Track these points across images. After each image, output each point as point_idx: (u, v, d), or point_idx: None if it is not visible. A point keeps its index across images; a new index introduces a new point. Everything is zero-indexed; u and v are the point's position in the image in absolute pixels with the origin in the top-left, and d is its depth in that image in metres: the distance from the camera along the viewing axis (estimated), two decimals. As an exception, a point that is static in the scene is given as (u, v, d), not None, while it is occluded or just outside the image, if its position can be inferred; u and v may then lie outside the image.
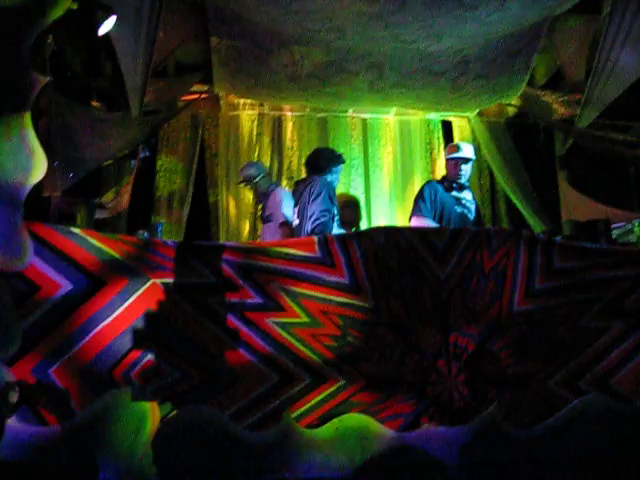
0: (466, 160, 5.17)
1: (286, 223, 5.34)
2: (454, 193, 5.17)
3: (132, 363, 2.99)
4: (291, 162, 7.13)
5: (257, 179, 5.72)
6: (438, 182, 5.28)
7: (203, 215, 6.90)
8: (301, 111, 7.32)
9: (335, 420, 2.98)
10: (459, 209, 5.09)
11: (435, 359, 3.20)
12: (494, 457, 3.06)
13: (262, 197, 5.74)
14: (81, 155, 5.43)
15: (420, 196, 5.11)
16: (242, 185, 5.83)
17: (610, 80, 5.99)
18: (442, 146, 7.54)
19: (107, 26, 4.79)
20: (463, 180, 5.20)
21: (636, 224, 5.49)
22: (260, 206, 5.87)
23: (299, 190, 5.12)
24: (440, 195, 5.07)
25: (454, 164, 5.19)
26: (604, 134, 6.50)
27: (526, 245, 3.40)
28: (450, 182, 5.20)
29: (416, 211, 5.05)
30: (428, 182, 5.34)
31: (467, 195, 5.25)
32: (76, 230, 3.10)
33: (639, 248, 4.49)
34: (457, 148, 5.26)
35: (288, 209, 5.39)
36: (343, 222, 5.15)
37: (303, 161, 6.97)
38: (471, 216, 5.17)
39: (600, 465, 3.13)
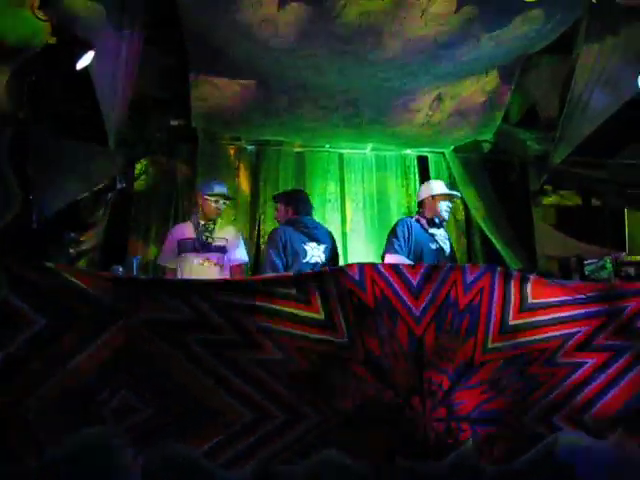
0: (444, 196, 5.28)
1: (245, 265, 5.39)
2: (431, 230, 5.22)
3: (105, 400, 2.95)
4: (267, 196, 7.13)
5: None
6: (413, 219, 5.32)
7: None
8: (278, 145, 7.35)
9: (311, 457, 2.96)
10: (434, 246, 5.12)
11: (410, 396, 3.19)
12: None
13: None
14: (57, 189, 5.41)
15: (393, 233, 5.14)
16: (221, 199, 5.43)
17: (583, 118, 6.12)
18: (418, 182, 7.59)
19: (85, 61, 4.81)
20: (445, 216, 5.30)
21: (608, 260, 5.55)
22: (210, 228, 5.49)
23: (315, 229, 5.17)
24: (415, 232, 5.11)
25: (432, 202, 5.28)
26: (577, 171, 6.60)
27: (500, 281, 3.43)
28: (429, 219, 5.26)
29: (389, 249, 5.07)
30: (401, 220, 5.38)
31: (441, 232, 5.32)
32: (50, 265, 3.08)
33: (611, 284, 4.53)
34: (430, 187, 5.39)
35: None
36: None
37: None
38: (446, 252, 5.21)
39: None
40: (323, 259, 5.00)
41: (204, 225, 5.33)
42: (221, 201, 5.38)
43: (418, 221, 5.26)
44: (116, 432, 2.87)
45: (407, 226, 5.14)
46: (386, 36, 5.07)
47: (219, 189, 5.39)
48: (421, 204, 5.43)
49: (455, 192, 5.42)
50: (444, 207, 5.28)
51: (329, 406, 3.12)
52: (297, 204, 5.27)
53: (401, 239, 5.05)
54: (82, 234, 5.93)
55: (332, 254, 5.14)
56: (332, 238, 5.26)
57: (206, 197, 5.32)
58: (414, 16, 4.98)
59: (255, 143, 7.33)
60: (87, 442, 2.83)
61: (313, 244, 5.02)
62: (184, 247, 5.25)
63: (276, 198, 5.56)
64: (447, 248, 5.27)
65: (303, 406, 3.10)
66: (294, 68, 5.61)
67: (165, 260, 5.39)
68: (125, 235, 6.68)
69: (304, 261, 4.89)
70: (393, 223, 7.17)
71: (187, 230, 5.35)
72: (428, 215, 5.29)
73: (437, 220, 5.27)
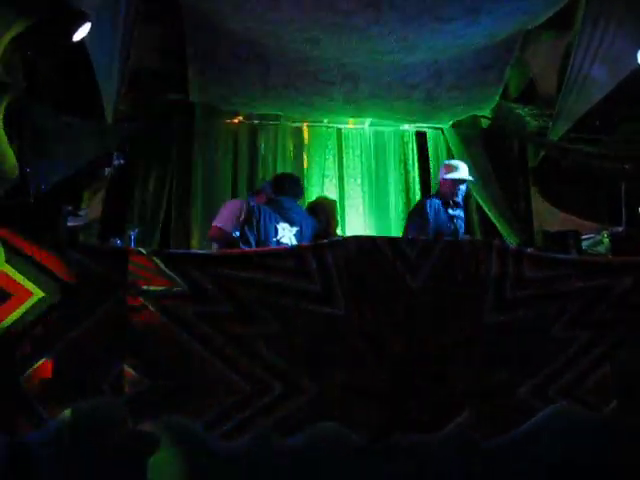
0: (463, 181, 5.32)
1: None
2: (449, 211, 5.26)
3: (104, 372, 2.97)
4: (265, 172, 7.11)
5: None
6: (435, 198, 5.36)
7: (178, 223, 6.85)
8: (276, 120, 7.33)
9: (308, 428, 2.98)
10: (451, 226, 5.15)
11: (406, 368, 3.22)
12: (465, 467, 3.08)
13: None
14: (54, 162, 5.40)
15: (420, 213, 5.18)
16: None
17: (581, 94, 6.10)
18: (416, 157, 7.58)
19: (81, 33, 4.77)
20: (459, 199, 5.33)
21: (605, 235, 5.57)
22: None
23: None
24: (438, 211, 5.19)
25: (451, 184, 5.30)
26: (575, 147, 6.59)
27: (498, 255, 3.44)
28: (446, 200, 5.29)
29: (413, 227, 5.12)
30: (428, 199, 5.39)
31: (458, 212, 5.36)
32: (48, 237, 3.09)
33: (607, 259, 4.55)
34: (454, 168, 5.38)
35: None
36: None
37: (278, 171, 7.01)
38: (460, 233, 5.28)
39: (570, 473, 3.15)
40: (293, 240, 5.04)
41: None
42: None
43: (441, 201, 5.29)
44: (115, 403, 2.89)
45: (433, 205, 5.19)
46: (385, 10, 5.03)
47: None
48: (441, 182, 5.46)
49: (460, 175, 5.38)
50: (456, 190, 5.32)
51: (327, 378, 3.15)
52: (280, 186, 5.35)
53: (427, 217, 5.10)
54: (80, 208, 5.94)
55: (303, 237, 5.16)
56: (310, 222, 5.29)
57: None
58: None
59: (253, 118, 7.29)
60: (86, 414, 2.85)
61: (285, 225, 5.09)
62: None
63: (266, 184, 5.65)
64: (462, 227, 5.33)
65: (301, 378, 3.13)
66: (293, 41, 5.58)
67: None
68: (123, 208, 6.68)
69: (274, 239, 4.96)
70: (391, 199, 7.25)
71: None
72: (445, 196, 5.33)
73: (451, 201, 5.30)
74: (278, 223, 5.05)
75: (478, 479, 3.07)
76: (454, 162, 5.63)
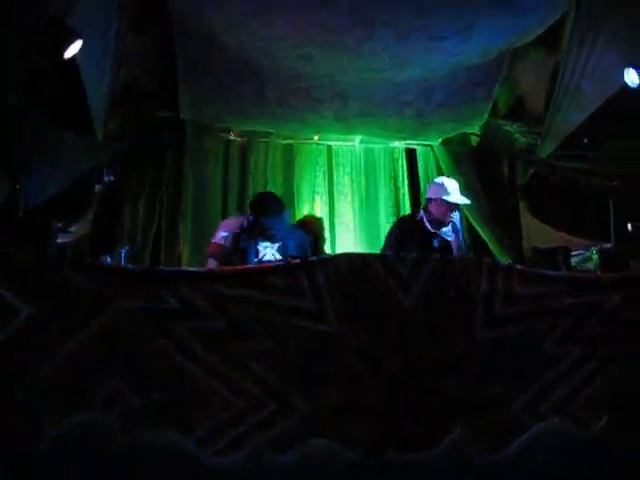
0: (457, 206, 5.23)
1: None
2: (434, 229, 5.22)
3: (95, 389, 2.96)
4: (256, 188, 7.12)
5: None
6: (416, 217, 5.33)
7: (168, 239, 6.84)
8: (267, 137, 7.35)
9: (301, 446, 2.98)
10: (436, 244, 5.14)
11: (399, 386, 3.22)
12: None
13: None
14: (44, 178, 5.39)
15: (389, 236, 5.25)
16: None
17: (569, 111, 6.17)
18: (406, 174, 7.62)
19: (73, 50, 4.77)
20: (448, 222, 5.21)
21: (594, 252, 5.61)
22: None
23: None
24: (414, 232, 5.16)
25: (444, 207, 5.16)
26: (563, 164, 6.64)
27: (488, 272, 3.45)
28: (433, 219, 5.22)
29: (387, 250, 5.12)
30: (399, 220, 5.36)
31: (446, 228, 5.26)
32: (38, 254, 3.08)
33: (596, 275, 4.58)
34: (446, 191, 5.20)
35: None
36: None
37: (268, 188, 7.03)
38: (452, 246, 5.23)
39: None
40: (277, 256, 5.10)
41: None
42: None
43: (421, 220, 5.20)
44: (107, 420, 2.88)
45: (403, 229, 5.17)
46: (378, 27, 5.07)
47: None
48: (429, 201, 5.31)
49: (467, 201, 5.36)
50: (448, 215, 5.17)
51: (320, 395, 3.14)
52: (259, 206, 5.35)
53: (394, 243, 5.09)
54: (70, 224, 5.92)
55: (288, 250, 5.19)
56: (295, 235, 5.37)
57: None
58: (406, 7, 5.00)
59: (244, 135, 7.31)
60: (78, 430, 2.84)
61: (267, 243, 5.14)
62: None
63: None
64: (454, 241, 5.23)
65: (294, 395, 3.12)
66: (286, 58, 5.61)
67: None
68: (114, 226, 6.67)
69: (255, 260, 5.03)
70: (381, 216, 7.28)
71: None
72: (434, 215, 5.21)
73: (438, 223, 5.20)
74: (258, 244, 5.10)
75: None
76: (448, 184, 5.35)
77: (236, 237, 5.10)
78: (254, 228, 5.13)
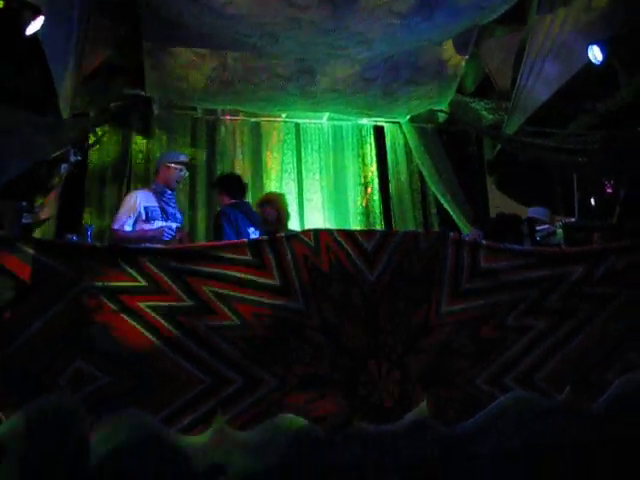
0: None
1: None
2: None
3: (61, 369, 2.94)
4: (224, 167, 7.10)
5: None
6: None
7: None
8: (235, 115, 7.31)
9: (267, 421, 2.99)
10: None
11: (365, 360, 3.25)
12: (425, 455, 3.12)
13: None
14: (8, 159, 5.31)
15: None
16: (185, 168, 5.64)
17: (535, 88, 6.21)
18: (374, 151, 7.65)
19: (35, 27, 4.69)
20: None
21: (559, 226, 5.67)
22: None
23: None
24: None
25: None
26: (530, 140, 6.71)
27: (453, 247, 3.49)
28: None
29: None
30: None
31: None
32: (3, 234, 3.05)
33: (559, 249, 4.64)
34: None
35: None
36: (266, 221, 5.24)
37: (237, 166, 7.01)
38: None
39: (527, 457, 3.22)
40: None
41: (167, 194, 5.44)
42: (184, 170, 5.55)
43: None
44: (73, 400, 2.87)
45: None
46: (340, 4, 5.05)
47: (184, 158, 5.61)
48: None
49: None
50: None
51: (286, 371, 3.16)
52: (236, 187, 5.53)
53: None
54: (35, 204, 5.86)
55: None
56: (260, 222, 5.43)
57: (171, 165, 5.44)
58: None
59: (211, 113, 7.28)
60: (44, 410, 2.82)
61: (252, 229, 5.26)
62: (153, 214, 5.25)
63: (213, 184, 5.85)
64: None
65: (260, 371, 3.14)
66: (249, 36, 5.57)
67: (124, 224, 5.23)
68: (80, 204, 6.61)
69: None
70: (350, 193, 7.30)
71: (151, 197, 5.34)
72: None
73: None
74: (248, 227, 5.10)
75: (438, 465, 3.12)
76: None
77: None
78: (241, 209, 5.17)
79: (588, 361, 3.53)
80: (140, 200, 5.29)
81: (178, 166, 5.45)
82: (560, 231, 5.61)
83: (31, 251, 3.01)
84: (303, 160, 7.46)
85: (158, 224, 5.16)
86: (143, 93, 6.68)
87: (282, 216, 5.44)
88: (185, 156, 5.73)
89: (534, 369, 3.46)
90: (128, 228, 5.17)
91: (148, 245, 4.65)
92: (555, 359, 3.49)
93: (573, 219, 6.09)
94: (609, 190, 6.62)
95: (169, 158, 5.56)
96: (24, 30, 4.72)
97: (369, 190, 7.47)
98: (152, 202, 5.28)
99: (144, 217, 5.20)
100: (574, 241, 5.36)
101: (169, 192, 5.42)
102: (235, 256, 3.22)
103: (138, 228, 5.16)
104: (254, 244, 3.28)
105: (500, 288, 3.51)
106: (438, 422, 3.16)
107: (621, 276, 3.63)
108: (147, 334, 3.04)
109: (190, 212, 6.88)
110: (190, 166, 5.79)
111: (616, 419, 3.30)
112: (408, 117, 7.56)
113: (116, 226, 5.21)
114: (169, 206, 5.34)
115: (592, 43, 5.67)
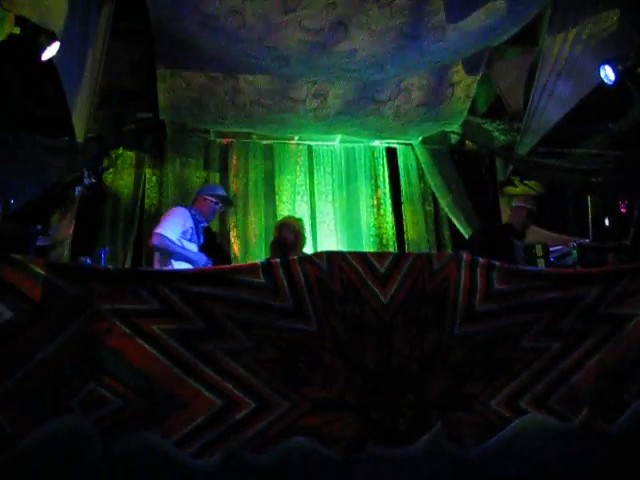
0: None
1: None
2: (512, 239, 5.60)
3: (74, 392, 2.94)
4: (237, 189, 7.12)
5: None
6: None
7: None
8: (247, 138, 7.35)
9: (280, 445, 2.97)
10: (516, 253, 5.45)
11: (378, 382, 3.23)
12: (439, 478, 3.09)
13: None
14: (23, 182, 5.36)
15: None
16: (221, 203, 5.61)
17: (547, 109, 6.21)
18: (387, 173, 7.66)
19: (50, 52, 4.77)
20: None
21: (573, 247, 5.64)
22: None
23: None
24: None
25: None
26: (543, 161, 6.70)
27: (467, 268, 3.47)
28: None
29: None
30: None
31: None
32: (17, 257, 3.06)
33: (574, 271, 4.61)
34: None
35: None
36: (283, 244, 5.24)
37: (249, 188, 7.04)
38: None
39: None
40: None
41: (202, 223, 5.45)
42: (220, 204, 5.54)
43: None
44: (85, 423, 2.86)
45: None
46: (352, 27, 5.09)
47: (221, 192, 5.61)
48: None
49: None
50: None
51: (298, 394, 3.14)
52: (229, 200, 5.62)
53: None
54: (49, 227, 5.90)
55: None
56: None
57: (208, 198, 5.45)
58: (380, 7, 5.02)
59: (223, 136, 7.32)
60: (56, 433, 2.82)
61: None
62: (192, 237, 5.27)
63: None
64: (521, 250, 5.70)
65: (273, 394, 3.12)
66: (261, 59, 5.61)
67: (171, 232, 5.11)
68: (94, 227, 6.65)
69: None
70: (362, 214, 7.31)
71: (192, 220, 5.34)
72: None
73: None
74: None
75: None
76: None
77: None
78: None
79: (605, 383, 3.49)
80: (188, 218, 5.30)
81: (214, 199, 5.44)
82: (574, 252, 5.58)
83: (43, 273, 3.03)
84: (316, 182, 7.47)
85: (192, 247, 5.19)
86: (156, 117, 6.72)
87: (299, 240, 5.46)
88: (222, 190, 5.71)
89: (549, 392, 3.42)
90: (173, 237, 5.10)
91: (162, 268, 4.67)
92: (571, 381, 3.45)
93: (587, 240, 6.06)
94: (623, 210, 6.59)
95: (206, 191, 5.57)
96: (40, 55, 4.79)
97: (382, 212, 7.46)
98: (192, 224, 5.30)
99: (186, 237, 5.21)
100: (588, 262, 5.32)
101: (204, 223, 5.43)
102: (248, 279, 3.22)
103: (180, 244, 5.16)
104: (267, 267, 3.27)
105: (514, 310, 3.48)
106: (452, 445, 3.13)
107: (636, 297, 3.60)
108: (160, 357, 3.04)
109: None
110: (227, 202, 5.76)
111: (636, 440, 3.26)
112: (420, 139, 7.57)
113: (162, 231, 5.09)
114: (201, 234, 5.38)
115: (604, 63, 5.66)
